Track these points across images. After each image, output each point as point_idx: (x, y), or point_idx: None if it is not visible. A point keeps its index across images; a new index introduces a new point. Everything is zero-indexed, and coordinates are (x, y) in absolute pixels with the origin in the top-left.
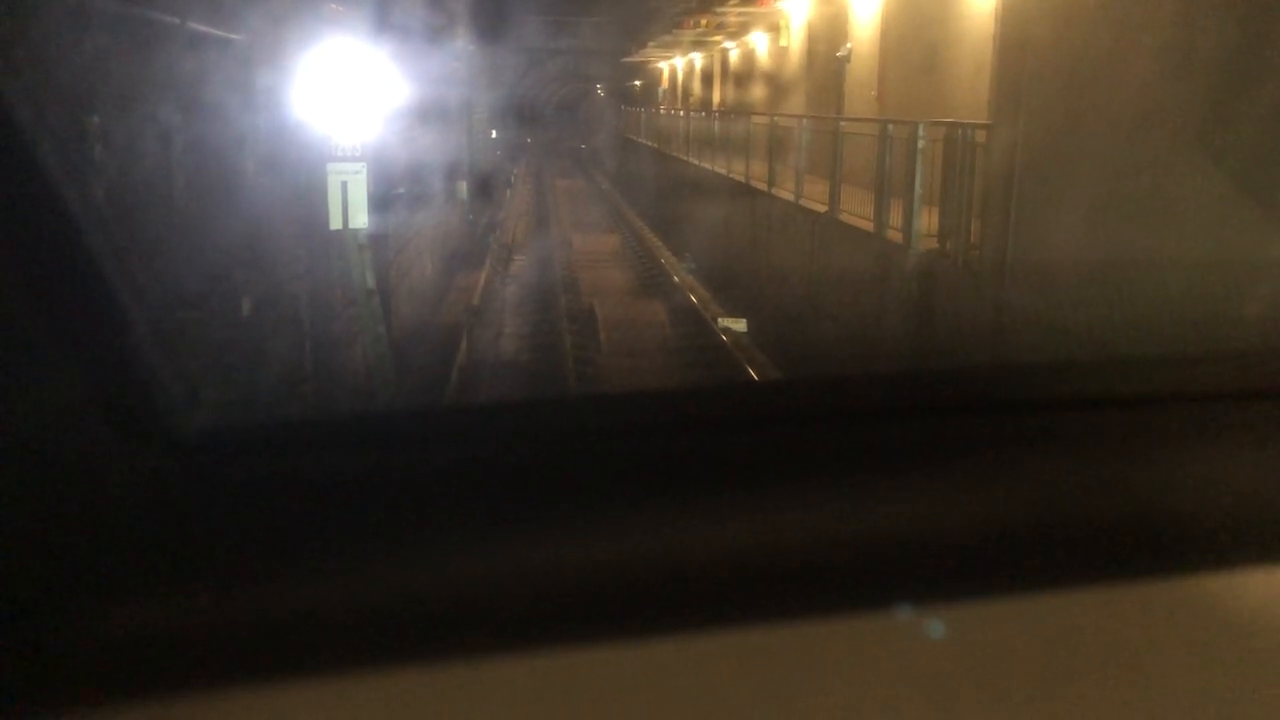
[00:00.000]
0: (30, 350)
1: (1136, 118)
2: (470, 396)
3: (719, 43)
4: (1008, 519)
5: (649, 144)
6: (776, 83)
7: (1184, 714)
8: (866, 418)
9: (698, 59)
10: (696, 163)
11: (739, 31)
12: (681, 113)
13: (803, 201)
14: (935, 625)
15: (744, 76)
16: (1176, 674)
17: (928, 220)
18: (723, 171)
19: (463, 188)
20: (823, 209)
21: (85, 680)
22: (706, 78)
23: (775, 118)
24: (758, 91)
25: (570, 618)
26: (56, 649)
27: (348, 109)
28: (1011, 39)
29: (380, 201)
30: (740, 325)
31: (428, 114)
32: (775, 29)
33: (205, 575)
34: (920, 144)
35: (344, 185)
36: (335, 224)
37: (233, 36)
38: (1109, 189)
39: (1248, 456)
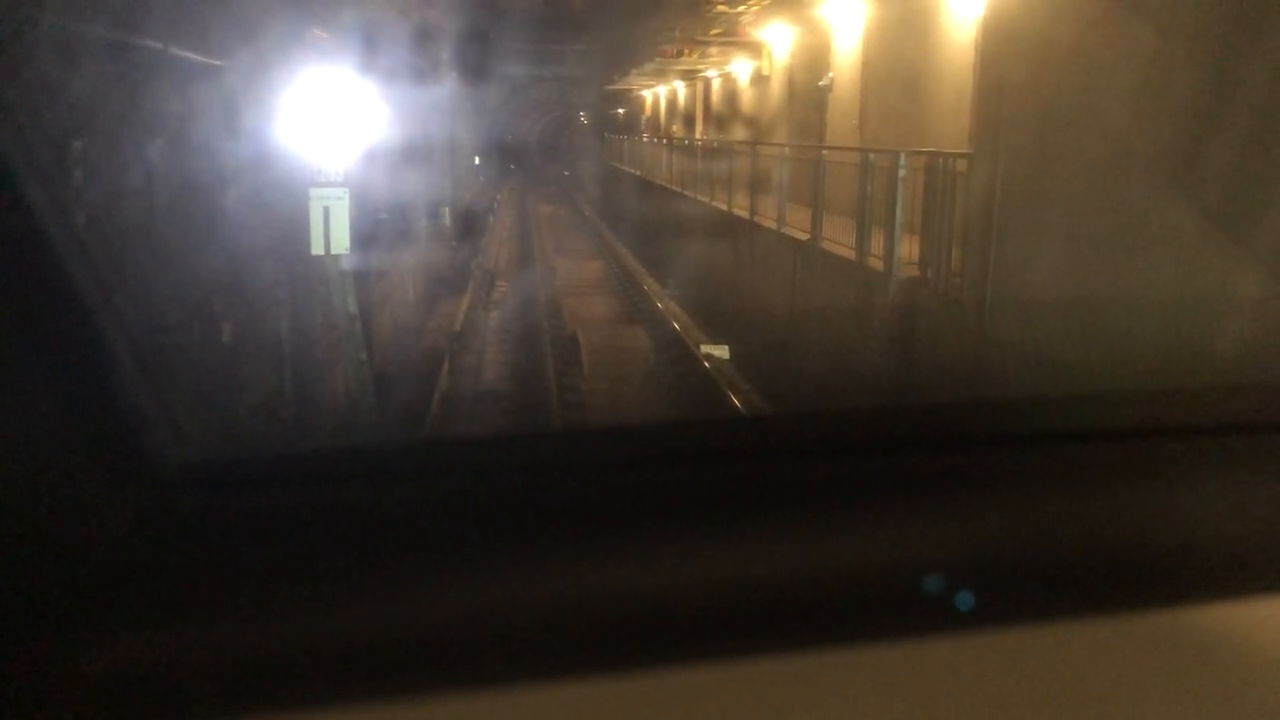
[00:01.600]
0: (12, 385)
1: (1111, 157)
2: (452, 424)
3: (701, 72)
4: (993, 552)
5: (632, 171)
6: (759, 112)
7: None
8: (852, 452)
9: (681, 88)
10: (679, 190)
11: (721, 61)
12: (664, 141)
13: (785, 230)
14: (923, 656)
15: (726, 105)
16: (1159, 706)
17: (909, 248)
18: (705, 199)
19: (445, 213)
20: (805, 237)
21: (65, 718)
22: (689, 106)
23: (758, 146)
24: (740, 120)
25: (557, 651)
26: (38, 685)
27: (330, 134)
28: (990, 81)
29: (362, 226)
30: (723, 352)
31: (411, 139)
32: (757, 58)
33: (188, 611)
34: (901, 173)
35: (326, 210)
36: (317, 249)
37: (216, 62)
38: (1085, 224)
39: (1224, 489)
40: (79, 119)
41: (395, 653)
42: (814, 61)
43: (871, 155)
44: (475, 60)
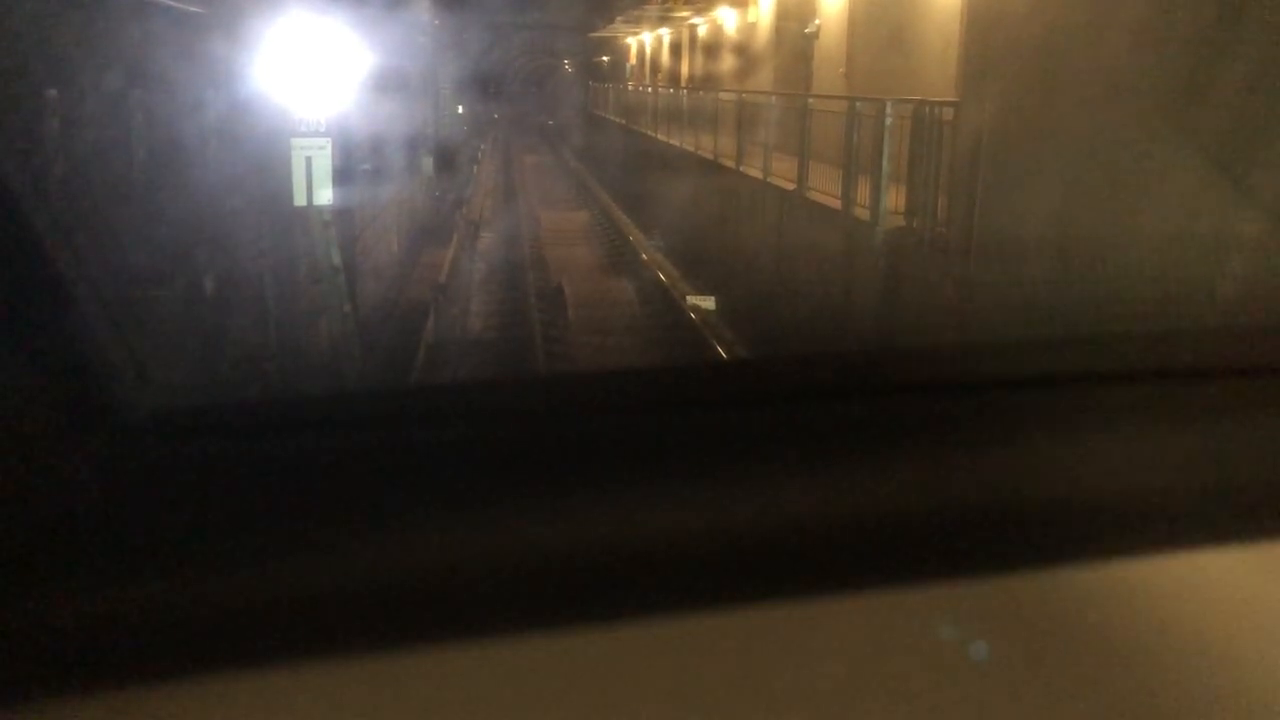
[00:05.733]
0: None
1: (1107, 93)
2: (436, 376)
3: (687, 18)
4: (979, 498)
5: (617, 120)
6: (744, 59)
7: (1141, 695)
8: (838, 396)
9: (666, 35)
10: (664, 139)
11: (707, 7)
12: (649, 89)
13: (771, 179)
14: (910, 605)
15: (712, 53)
16: (1131, 656)
17: (895, 198)
18: (690, 149)
19: (428, 163)
20: (791, 186)
21: (32, 673)
22: (674, 54)
23: (743, 95)
24: (726, 68)
25: (542, 600)
26: (2, 641)
27: (311, 83)
28: (982, 10)
29: (345, 177)
30: (709, 303)
31: (393, 88)
32: (743, 5)
33: (156, 562)
34: (888, 122)
35: (308, 160)
36: (299, 200)
37: (193, 9)
38: (1077, 165)
39: (1222, 432)
40: (54, 67)
41: (372, 603)
42: (801, 8)
43: (858, 104)
44: (458, 8)
